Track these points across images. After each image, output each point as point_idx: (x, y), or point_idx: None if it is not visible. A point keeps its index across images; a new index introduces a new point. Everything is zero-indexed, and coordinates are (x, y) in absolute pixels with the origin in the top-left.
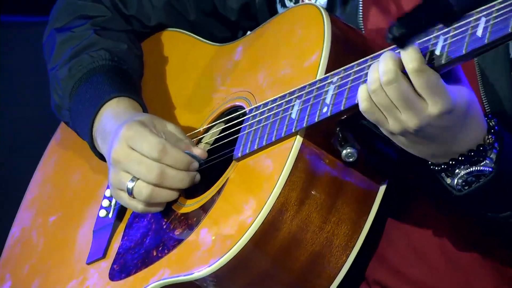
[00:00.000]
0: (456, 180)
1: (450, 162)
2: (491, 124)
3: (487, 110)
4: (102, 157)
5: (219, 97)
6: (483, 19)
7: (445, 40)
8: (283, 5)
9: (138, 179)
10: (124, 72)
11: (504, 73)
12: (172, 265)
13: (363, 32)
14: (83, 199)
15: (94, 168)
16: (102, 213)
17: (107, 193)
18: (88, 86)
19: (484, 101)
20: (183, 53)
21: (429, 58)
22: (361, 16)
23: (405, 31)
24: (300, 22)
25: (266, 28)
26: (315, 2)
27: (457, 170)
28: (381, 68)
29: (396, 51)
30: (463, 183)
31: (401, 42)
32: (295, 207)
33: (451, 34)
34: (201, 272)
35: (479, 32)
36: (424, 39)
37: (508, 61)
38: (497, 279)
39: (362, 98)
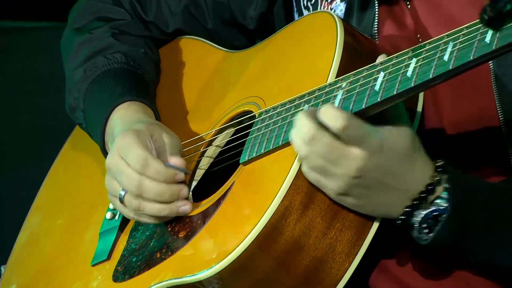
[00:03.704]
0: (418, 229)
1: (406, 210)
2: (437, 164)
3: (499, 115)
4: None
5: (230, 102)
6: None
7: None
8: (300, 13)
9: None
10: (138, 76)
11: None
12: (175, 267)
13: (377, 41)
14: (91, 202)
15: (104, 173)
16: (109, 215)
17: None
18: (100, 88)
19: (497, 106)
20: (197, 59)
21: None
22: (376, 26)
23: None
24: (313, 29)
25: (280, 35)
26: (333, 12)
27: (415, 218)
28: (298, 130)
29: (306, 107)
30: (425, 230)
31: (498, 22)
32: (299, 211)
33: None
34: (203, 274)
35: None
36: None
37: None
38: None
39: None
